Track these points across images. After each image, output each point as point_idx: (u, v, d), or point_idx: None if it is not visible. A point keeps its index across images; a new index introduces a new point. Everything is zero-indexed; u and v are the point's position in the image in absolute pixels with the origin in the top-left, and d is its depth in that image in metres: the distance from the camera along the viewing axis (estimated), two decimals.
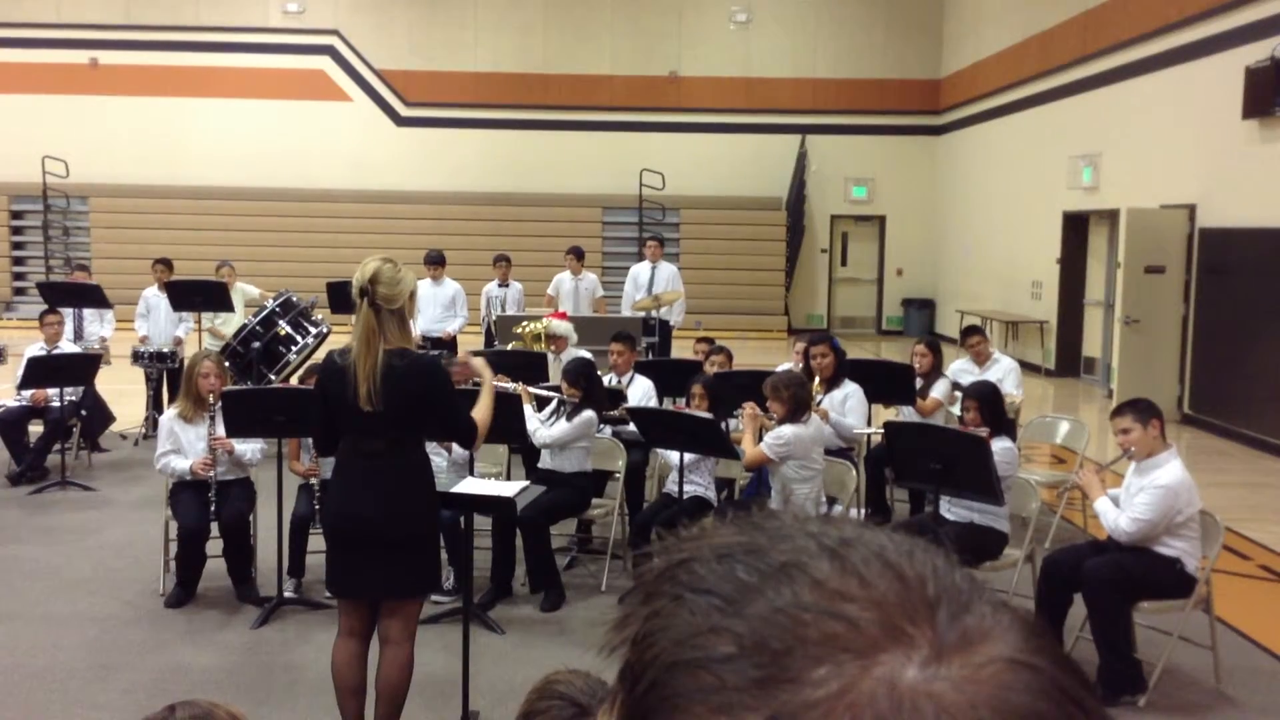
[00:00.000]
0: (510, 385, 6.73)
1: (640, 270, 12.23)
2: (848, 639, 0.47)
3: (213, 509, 6.11)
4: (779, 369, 8.07)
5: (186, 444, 6.29)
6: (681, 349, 11.42)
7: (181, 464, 6.21)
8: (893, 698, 0.45)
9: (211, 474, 6.14)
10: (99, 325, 10.32)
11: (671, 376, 8.00)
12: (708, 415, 6.23)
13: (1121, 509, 5.15)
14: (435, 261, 11.16)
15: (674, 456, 6.31)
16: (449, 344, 10.81)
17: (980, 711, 0.45)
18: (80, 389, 8.97)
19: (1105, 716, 0.49)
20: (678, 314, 12.13)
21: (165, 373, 10.16)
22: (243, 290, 10.84)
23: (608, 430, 6.99)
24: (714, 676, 0.48)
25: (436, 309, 11.00)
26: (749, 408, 6.26)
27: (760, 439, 6.16)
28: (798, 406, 6.10)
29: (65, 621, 5.81)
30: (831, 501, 6.30)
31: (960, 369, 8.31)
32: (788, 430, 6.02)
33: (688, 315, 12.96)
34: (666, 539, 0.56)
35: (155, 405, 10.00)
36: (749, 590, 0.50)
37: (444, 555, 5.94)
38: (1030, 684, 0.47)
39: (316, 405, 4.39)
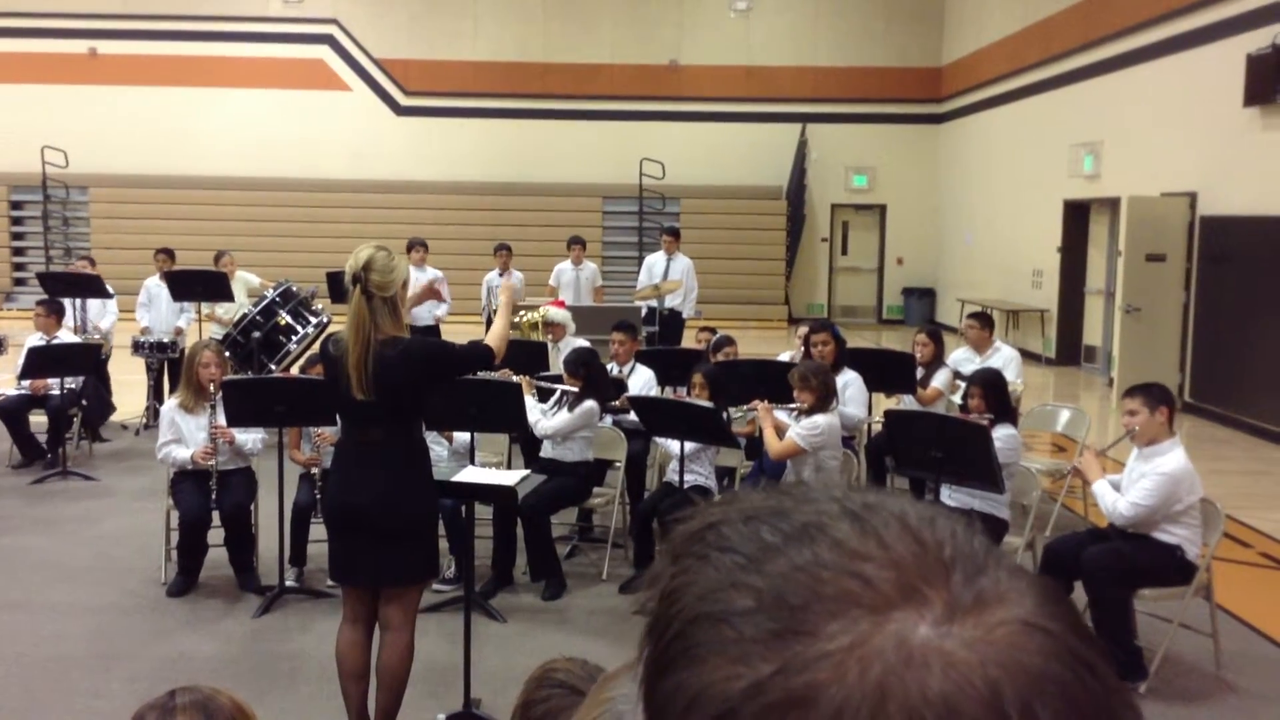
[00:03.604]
0: (514, 377, 6.74)
1: (656, 261, 12.23)
2: (863, 596, 0.49)
3: (214, 498, 6.11)
4: (779, 358, 8.09)
5: (187, 434, 6.29)
6: (687, 340, 11.43)
7: (183, 453, 6.21)
8: (901, 652, 0.46)
9: (212, 463, 6.15)
10: (102, 317, 10.31)
11: (672, 366, 7.99)
12: (708, 404, 6.23)
13: (1122, 493, 5.15)
14: (424, 246, 11.22)
15: (675, 446, 6.31)
16: (435, 330, 10.82)
17: (990, 670, 0.46)
18: (80, 378, 8.97)
19: (1117, 682, 0.49)
20: (690, 306, 12.13)
21: (166, 363, 10.16)
22: (244, 279, 10.83)
23: (608, 419, 6.99)
24: (733, 629, 0.50)
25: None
26: (762, 405, 6.24)
27: (779, 432, 6.14)
28: (827, 394, 6.10)
29: (67, 611, 5.82)
30: None
31: (962, 358, 8.31)
32: (822, 419, 6.01)
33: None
34: (699, 504, 0.58)
35: (156, 395, 10.00)
36: (771, 549, 0.52)
37: (445, 544, 5.96)
38: (1043, 646, 0.47)
39: (325, 394, 4.38)
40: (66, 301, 9.98)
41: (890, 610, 0.48)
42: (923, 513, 0.53)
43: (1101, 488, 5.20)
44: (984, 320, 8.50)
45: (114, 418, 10.03)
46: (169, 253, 10.76)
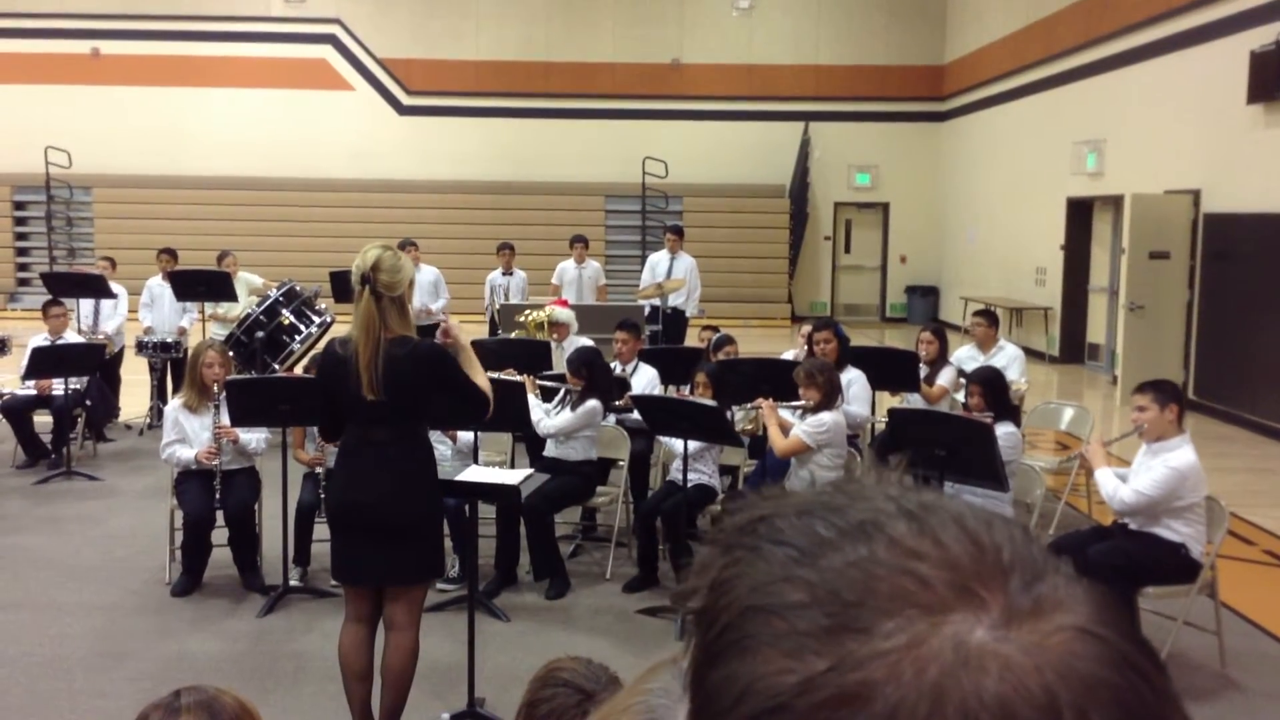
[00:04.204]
0: (516, 376, 6.74)
1: (659, 260, 12.22)
2: (919, 596, 0.48)
3: (218, 498, 6.12)
4: (783, 357, 8.08)
5: (191, 433, 6.30)
6: (691, 339, 11.43)
7: (187, 453, 6.22)
8: (959, 655, 0.46)
9: (216, 463, 6.15)
10: (110, 319, 10.30)
11: (676, 365, 8.00)
12: (712, 403, 6.23)
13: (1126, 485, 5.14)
14: (414, 245, 11.13)
15: (678, 444, 6.31)
16: (433, 331, 10.80)
17: (1045, 675, 0.46)
18: (84, 379, 8.98)
19: (1172, 692, 0.49)
20: (694, 305, 12.12)
21: (169, 362, 10.17)
22: (246, 280, 10.84)
23: (611, 418, 6.99)
24: (785, 622, 0.49)
25: (420, 294, 10.98)
26: (766, 403, 6.23)
27: (784, 430, 6.13)
28: (832, 392, 6.09)
29: (71, 611, 5.83)
30: None
31: (966, 356, 8.30)
32: (828, 417, 6.00)
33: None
34: (750, 496, 0.58)
35: (160, 395, 10.02)
36: (826, 544, 0.51)
37: (449, 543, 5.96)
38: (1099, 654, 0.47)
39: (318, 395, 4.39)
40: (78, 302, 10.02)
41: (947, 612, 0.48)
42: (980, 515, 0.53)
43: (1104, 475, 5.19)
44: (991, 318, 8.51)
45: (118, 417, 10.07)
46: (172, 253, 10.77)
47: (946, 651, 0.46)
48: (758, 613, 0.50)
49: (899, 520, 0.52)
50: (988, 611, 0.48)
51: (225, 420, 6.15)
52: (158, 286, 10.42)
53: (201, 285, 10.00)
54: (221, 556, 6.23)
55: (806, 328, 7.90)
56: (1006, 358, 8.17)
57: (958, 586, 0.48)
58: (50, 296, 9.46)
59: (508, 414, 6.19)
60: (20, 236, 20.96)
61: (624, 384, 7.27)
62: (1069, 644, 0.47)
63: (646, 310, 11.47)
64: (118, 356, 10.29)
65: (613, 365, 7.39)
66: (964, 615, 0.47)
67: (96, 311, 10.13)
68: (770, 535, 0.53)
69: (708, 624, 0.53)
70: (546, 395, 6.83)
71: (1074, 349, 15.76)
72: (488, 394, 4.38)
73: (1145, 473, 5.07)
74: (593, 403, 6.43)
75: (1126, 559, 5.01)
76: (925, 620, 0.47)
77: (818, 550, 0.51)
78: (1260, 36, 10.81)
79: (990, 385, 6.16)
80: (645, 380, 7.50)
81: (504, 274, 11.81)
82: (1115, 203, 14.18)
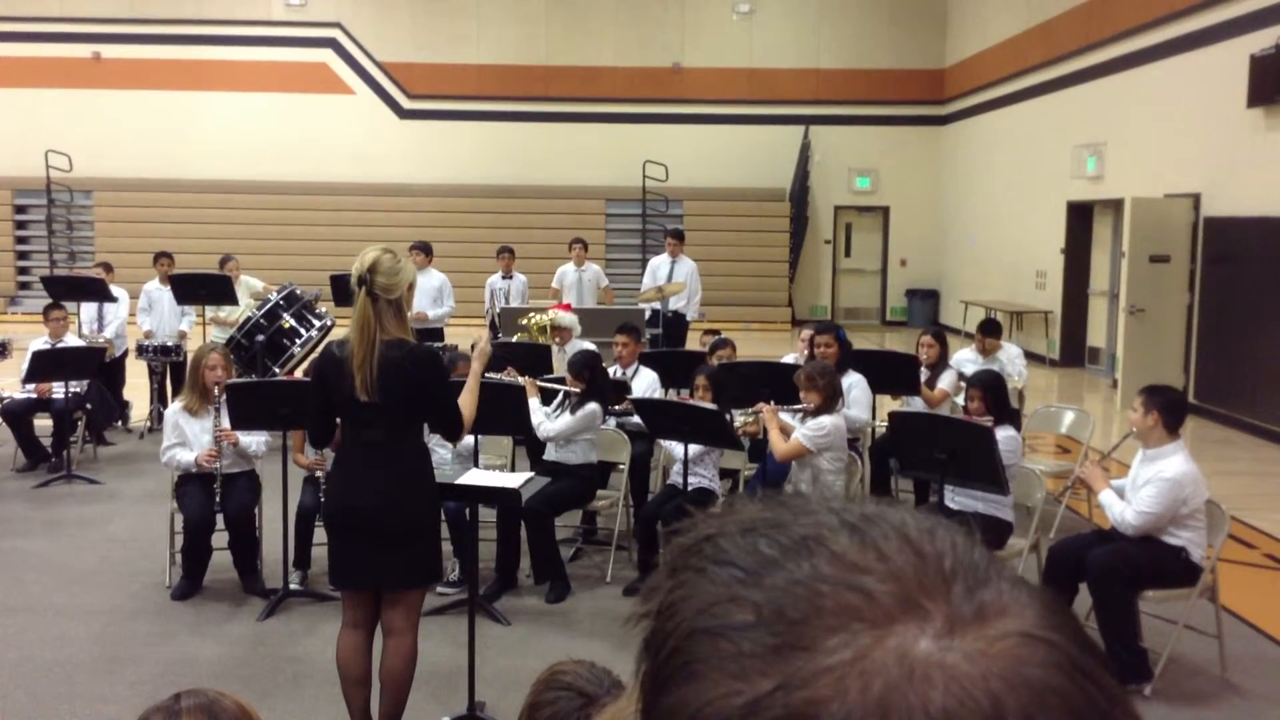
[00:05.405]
0: (519, 379, 6.74)
1: (660, 264, 12.21)
2: (863, 610, 0.48)
3: (218, 501, 6.12)
4: (783, 360, 8.08)
5: (192, 437, 6.29)
6: (692, 342, 11.42)
7: (187, 456, 6.21)
8: (903, 667, 0.46)
9: (216, 466, 6.15)
10: (112, 323, 10.29)
11: (676, 368, 8.00)
12: (712, 406, 6.22)
13: (1127, 500, 5.15)
14: (425, 250, 11.00)
15: (678, 448, 6.31)
16: (438, 334, 10.78)
17: (992, 683, 0.46)
18: (84, 382, 8.98)
19: (1120, 693, 0.49)
20: (694, 308, 12.11)
21: (169, 366, 10.17)
22: (247, 283, 10.84)
23: (612, 422, 6.99)
24: (731, 644, 0.49)
25: (423, 299, 10.91)
26: (767, 407, 6.22)
27: (785, 433, 6.12)
28: (833, 395, 6.09)
29: (71, 614, 5.83)
30: None
31: (966, 358, 8.31)
32: (828, 420, 5.99)
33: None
34: (696, 516, 0.58)
35: (160, 398, 10.02)
36: (769, 562, 0.51)
37: (449, 547, 5.95)
38: (1045, 659, 0.47)
39: (312, 397, 4.37)
40: (79, 306, 10.03)
41: (891, 624, 0.47)
42: (922, 524, 0.53)
43: (1108, 498, 5.19)
44: (995, 327, 8.56)
45: (116, 421, 10.07)
46: (168, 256, 10.77)
47: (891, 665, 0.46)
48: (705, 635, 0.50)
49: (841, 534, 0.51)
50: (931, 621, 0.47)
51: (225, 423, 6.14)
52: (155, 290, 10.43)
53: (202, 289, 10.01)
54: (222, 560, 6.23)
55: (807, 331, 7.90)
56: (1006, 355, 8.21)
57: (901, 598, 0.48)
58: (50, 300, 9.46)
59: (508, 418, 6.19)
60: (21, 240, 20.97)
61: (624, 387, 7.26)
62: (1014, 650, 0.47)
63: (647, 314, 11.47)
64: (120, 360, 10.29)
65: (613, 369, 7.39)
66: (908, 626, 0.47)
67: (100, 315, 10.15)
68: (715, 556, 0.53)
69: (656, 649, 0.53)
70: (546, 398, 6.82)
71: (1074, 352, 15.76)
72: (464, 423, 4.38)
73: (1143, 488, 5.08)
74: (592, 406, 6.44)
75: (1127, 562, 5.00)
76: (870, 634, 0.47)
77: (762, 569, 0.51)
78: (1260, 40, 10.82)
79: (990, 389, 6.16)
80: (646, 383, 7.50)
81: (504, 278, 11.79)
82: (1115, 206, 14.18)
